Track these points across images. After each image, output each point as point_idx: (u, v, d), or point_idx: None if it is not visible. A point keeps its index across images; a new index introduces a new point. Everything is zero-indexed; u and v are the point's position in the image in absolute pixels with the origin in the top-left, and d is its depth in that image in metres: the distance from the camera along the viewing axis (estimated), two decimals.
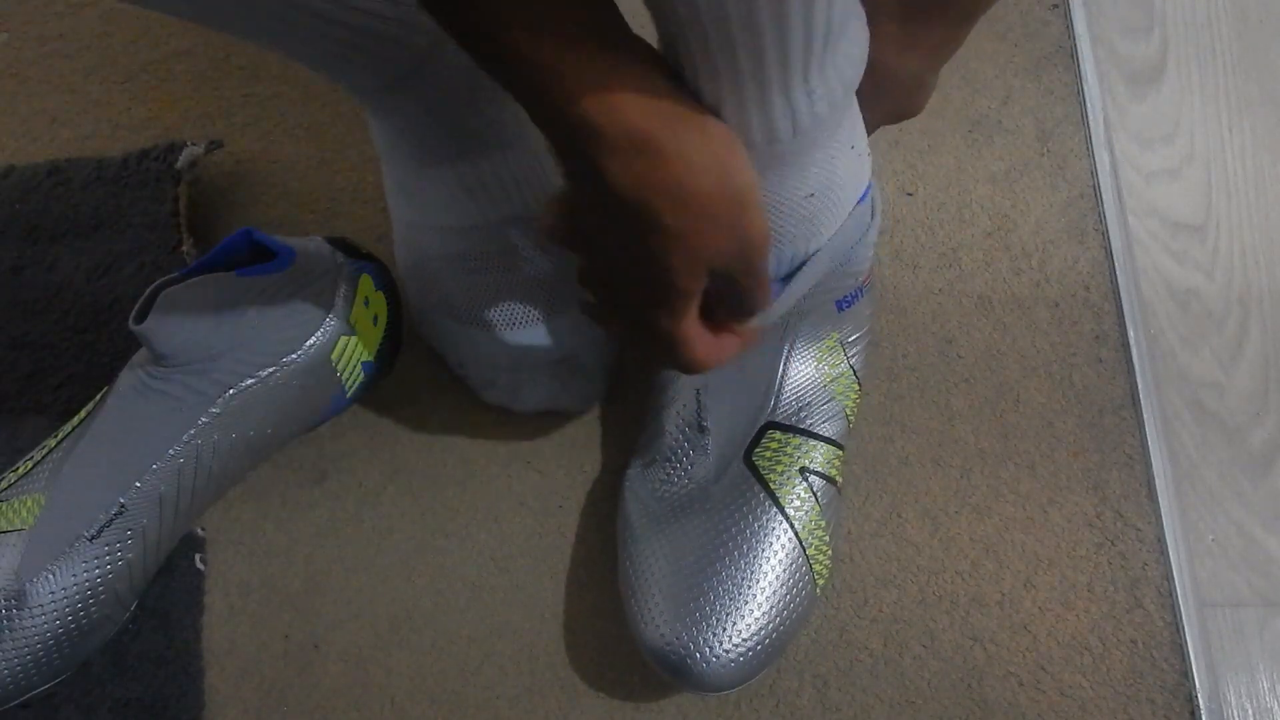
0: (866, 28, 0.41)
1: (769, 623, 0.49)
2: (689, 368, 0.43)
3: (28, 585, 0.51)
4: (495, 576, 0.58)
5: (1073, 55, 0.69)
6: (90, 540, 0.52)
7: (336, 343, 0.56)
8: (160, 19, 0.75)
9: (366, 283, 0.58)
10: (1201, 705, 0.52)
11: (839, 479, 0.54)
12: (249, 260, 0.53)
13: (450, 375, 0.62)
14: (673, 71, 0.37)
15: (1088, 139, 0.66)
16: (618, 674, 0.55)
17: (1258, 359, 0.61)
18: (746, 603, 0.49)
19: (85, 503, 0.52)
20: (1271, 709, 0.53)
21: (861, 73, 0.41)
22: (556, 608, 0.57)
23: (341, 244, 0.58)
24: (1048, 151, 0.66)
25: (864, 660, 0.54)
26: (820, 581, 0.52)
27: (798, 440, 0.53)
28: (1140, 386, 0.59)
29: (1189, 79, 0.69)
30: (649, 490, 0.54)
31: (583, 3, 0.34)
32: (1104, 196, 0.64)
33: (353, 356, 0.57)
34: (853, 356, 0.55)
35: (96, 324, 0.63)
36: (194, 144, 0.67)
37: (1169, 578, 0.55)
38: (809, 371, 0.54)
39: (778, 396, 0.53)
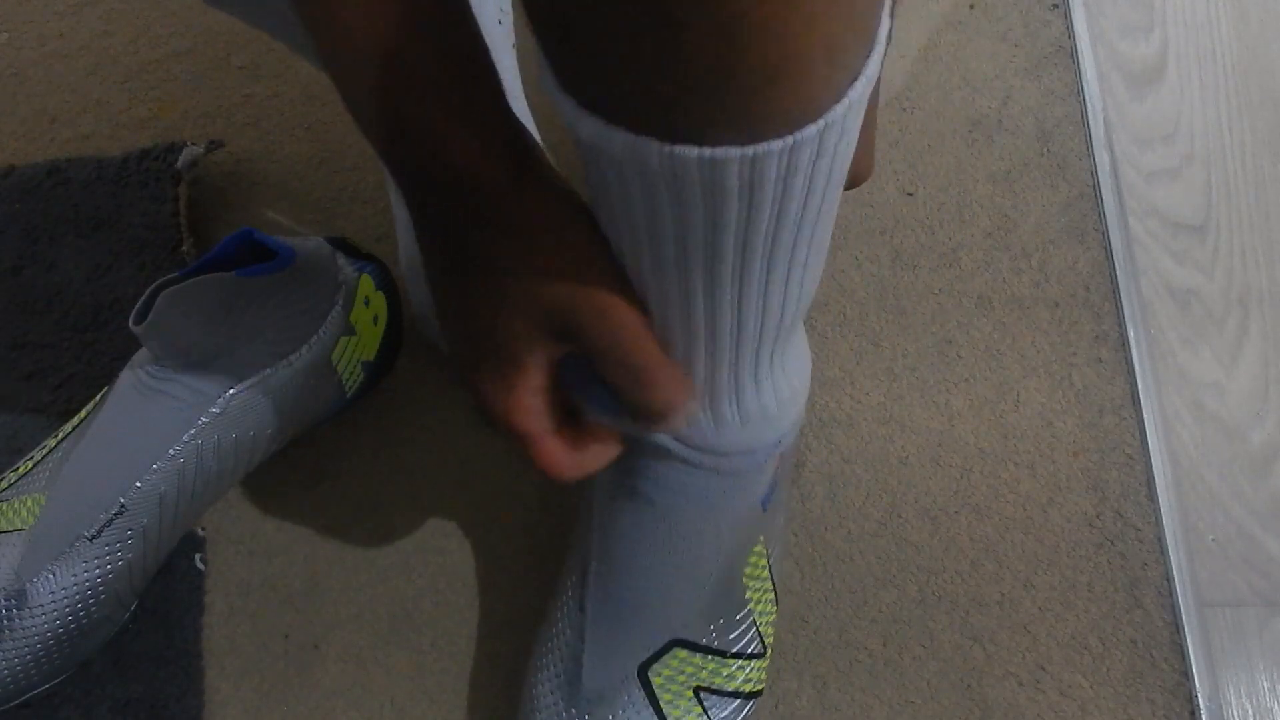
0: (807, 360, 0.45)
1: None
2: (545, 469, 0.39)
3: (28, 585, 0.51)
4: (495, 576, 0.58)
5: (1073, 55, 0.69)
6: (90, 540, 0.52)
7: (336, 343, 0.56)
8: (160, 19, 0.75)
9: (366, 283, 0.58)
10: (1201, 705, 0.52)
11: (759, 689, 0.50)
12: (249, 260, 0.53)
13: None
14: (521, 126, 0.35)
15: (1088, 139, 0.66)
16: None
17: (1258, 359, 0.61)
18: None
19: (85, 503, 0.52)
20: (1271, 709, 0.53)
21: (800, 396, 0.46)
22: None
23: (341, 244, 0.58)
24: (1048, 151, 0.66)
25: (864, 660, 0.54)
26: None
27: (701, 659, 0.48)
28: (1140, 386, 0.59)
29: (1189, 79, 0.69)
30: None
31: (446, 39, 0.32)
32: (1104, 196, 0.64)
33: (353, 356, 0.57)
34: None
35: (96, 324, 0.63)
36: (194, 144, 0.67)
37: (1169, 578, 0.55)
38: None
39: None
